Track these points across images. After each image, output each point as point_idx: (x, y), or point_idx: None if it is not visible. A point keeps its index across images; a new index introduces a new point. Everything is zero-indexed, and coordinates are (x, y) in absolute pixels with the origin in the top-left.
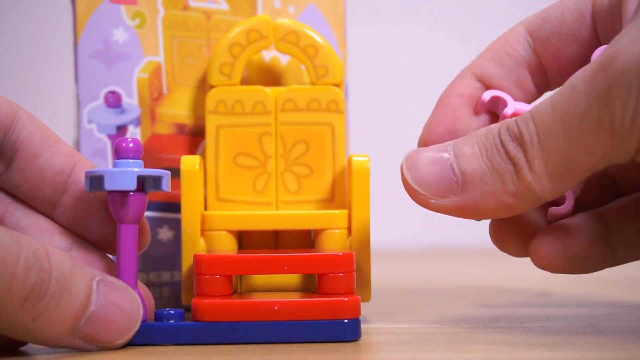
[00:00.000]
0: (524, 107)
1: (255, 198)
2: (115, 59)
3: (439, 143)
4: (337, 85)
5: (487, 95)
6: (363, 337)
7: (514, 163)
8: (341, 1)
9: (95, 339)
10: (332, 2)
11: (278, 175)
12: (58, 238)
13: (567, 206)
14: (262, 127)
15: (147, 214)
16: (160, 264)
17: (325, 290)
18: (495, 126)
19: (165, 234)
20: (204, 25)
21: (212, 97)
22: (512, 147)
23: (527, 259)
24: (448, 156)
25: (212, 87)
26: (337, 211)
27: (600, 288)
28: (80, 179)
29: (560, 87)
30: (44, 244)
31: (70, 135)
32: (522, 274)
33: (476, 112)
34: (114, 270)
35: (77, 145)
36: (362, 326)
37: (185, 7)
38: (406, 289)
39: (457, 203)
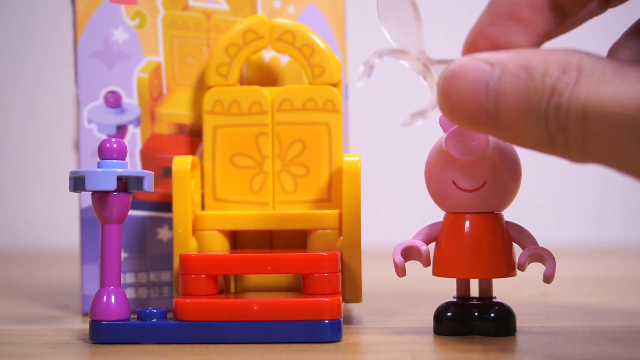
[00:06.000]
0: (431, 236)
1: (252, 198)
2: (115, 58)
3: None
4: (334, 85)
5: (399, 259)
6: (357, 338)
7: (551, 138)
8: (341, 1)
9: None
10: (332, 2)
11: (275, 175)
12: None
13: (552, 263)
14: (258, 127)
15: (147, 214)
16: (160, 264)
17: (310, 291)
18: (547, 85)
19: (165, 234)
20: (204, 25)
21: (209, 98)
22: (555, 127)
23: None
24: (487, 102)
25: (209, 87)
26: (328, 211)
27: (600, 288)
28: None
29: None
30: None
31: (70, 135)
32: (522, 273)
33: (399, 275)
34: None
35: (77, 145)
36: (357, 327)
37: (185, 7)
38: (405, 289)
39: (491, 133)
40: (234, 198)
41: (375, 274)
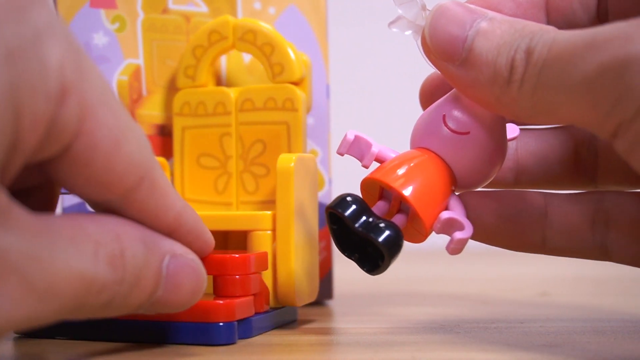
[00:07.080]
0: (388, 152)
1: (216, 198)
2: (96, 62)
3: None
4: (295, 84)
5: (351, 134)
6: (356, 338)
7: (512, 69)
8: (322, 2)
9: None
10: (313, 2)
11: (237, 175)
12: None
13: (467, 233)
14: (222, 127)
15: None
16: None
17: (221, 293)
18: (527, 32)
19: None
20: (184, 27)
21: (178, 100)
22: (520, 56)
23: (528, 259)
24: (467, 32)
25: (179, 89)
26: (259, 213)
27: (600, 288)
28: None
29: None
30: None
31: None
32: (522, 274)
33: (339, 153)
34: None
35: None
36: (357, 326)
37: (165, 10)
38: (405, 289)
39: (455, 72)
40: (201, 198)
41: (369, 274)
